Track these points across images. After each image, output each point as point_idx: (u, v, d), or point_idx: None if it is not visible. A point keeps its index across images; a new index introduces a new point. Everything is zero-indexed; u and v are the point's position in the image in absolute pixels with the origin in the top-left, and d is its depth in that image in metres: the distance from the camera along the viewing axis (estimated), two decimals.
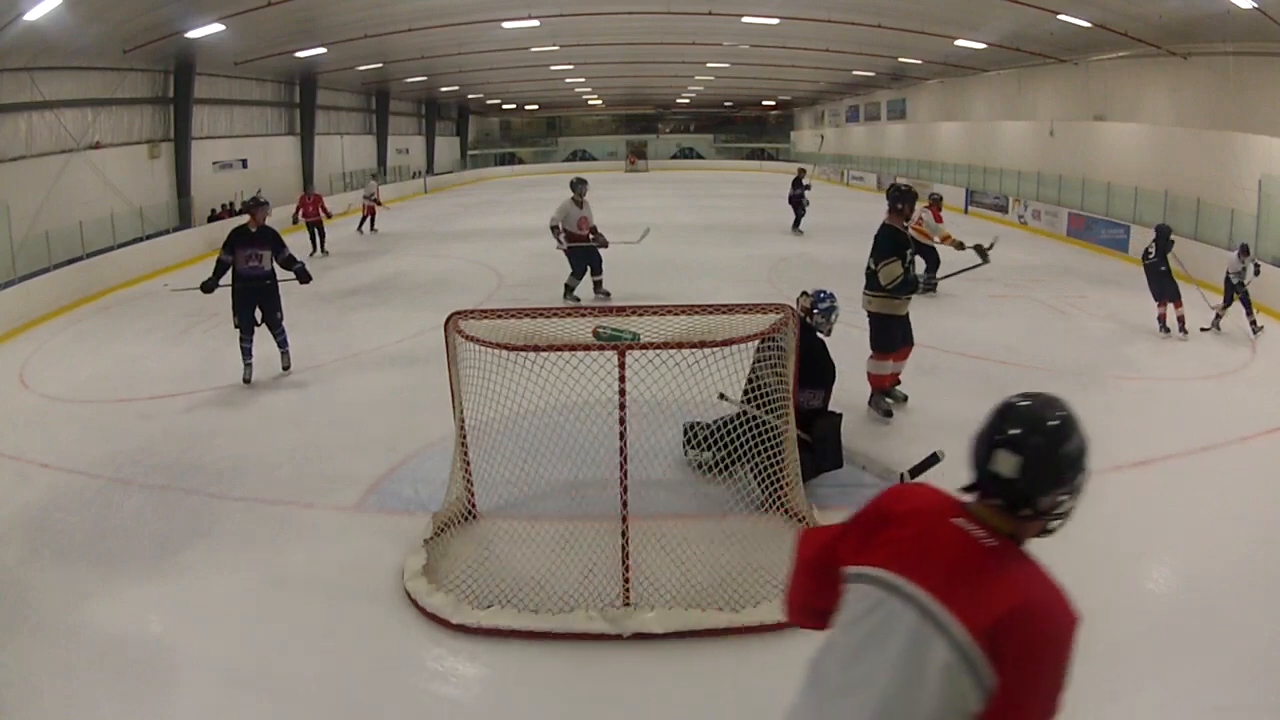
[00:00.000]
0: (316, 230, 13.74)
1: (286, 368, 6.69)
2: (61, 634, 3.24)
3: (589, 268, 8.95)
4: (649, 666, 3.04)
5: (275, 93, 20.21)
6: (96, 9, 10.93)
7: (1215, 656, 3.02)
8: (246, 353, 6.44)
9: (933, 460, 4.14)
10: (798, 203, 14.82)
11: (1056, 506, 1.33)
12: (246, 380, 6.42)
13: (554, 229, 8.76)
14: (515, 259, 12.27)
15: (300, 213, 14.17)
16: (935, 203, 10.14)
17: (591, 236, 8.83)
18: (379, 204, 16.77)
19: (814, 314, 4.58)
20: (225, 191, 17.80)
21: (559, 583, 3.45)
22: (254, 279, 6.43)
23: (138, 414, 5.89)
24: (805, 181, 15.00)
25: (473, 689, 3.01)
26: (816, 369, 4.34)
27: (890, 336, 5.45)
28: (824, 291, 4.72)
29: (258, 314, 6.45)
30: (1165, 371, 6.56)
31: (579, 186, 8.92)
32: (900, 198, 5.34)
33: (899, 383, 5.68)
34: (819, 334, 4.58)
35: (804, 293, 4.77)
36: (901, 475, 4.21)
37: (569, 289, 9.01)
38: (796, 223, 14.87)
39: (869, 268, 5.40)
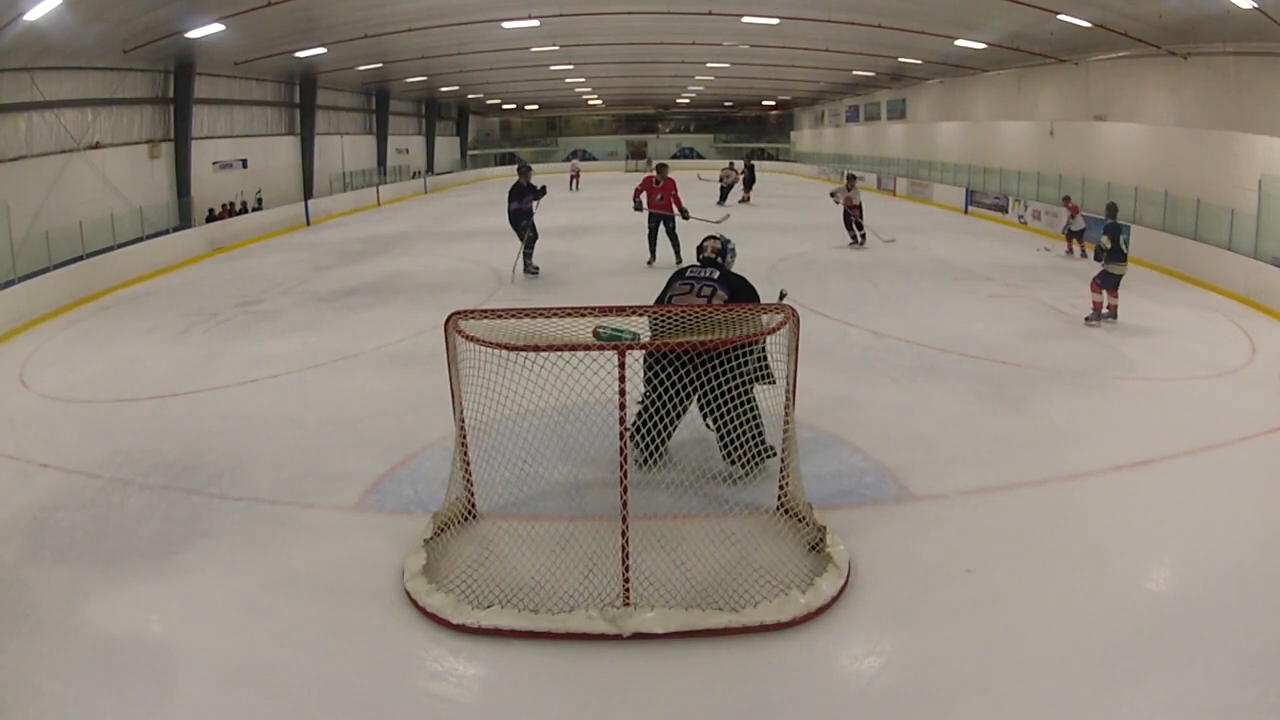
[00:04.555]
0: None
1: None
2: (61, 634, 3.24)
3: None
4: (649, 666, 3.04)
5: (275, 93, 20.21)
6: (96, 9, 10.93)
7: (1215, 656, 3.02)
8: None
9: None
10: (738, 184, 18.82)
11: None
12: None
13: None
14: (515, 259, 12.24)
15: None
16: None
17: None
18: (580, 172, 27.06)
19: (725, 256, 5.14)
20: (225, 191, 17.82)
21: (559, 583, 3.45)
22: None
23: (138, 414, 5.89)
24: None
25: (473, 689, 3.01)
26: (753, 291, 4.80)
27: None
28: (725, 237, 5.29)
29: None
30: (1165, 371, 6.56)
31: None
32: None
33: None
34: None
35: (711, 236, 5.23)
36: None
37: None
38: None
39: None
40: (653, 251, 11.23)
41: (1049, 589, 3.47)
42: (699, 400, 4.28)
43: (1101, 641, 3.10)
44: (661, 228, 11.05)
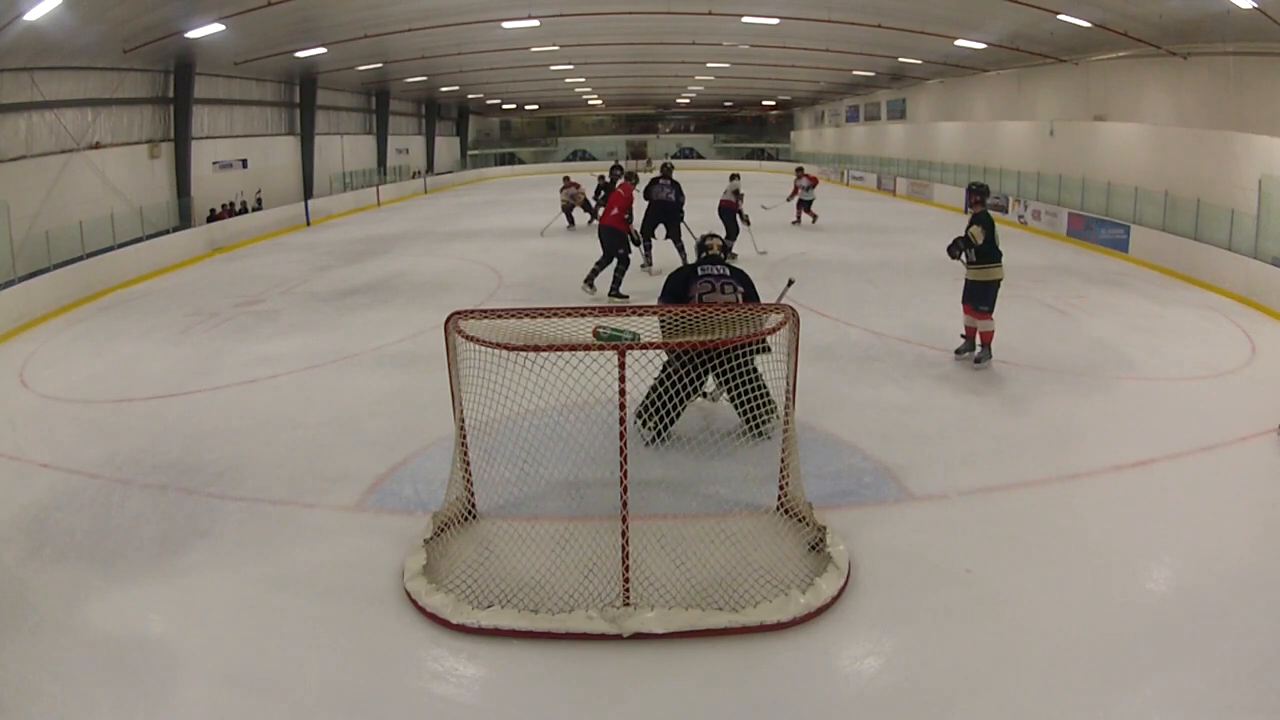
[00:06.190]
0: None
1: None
2: (61, 634, 3.24)
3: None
4: (649, 666, 3.04)
5: (275, 93, 20.22)
6: (96, 9, 10.94)
7: (1215, 656, 3.02)
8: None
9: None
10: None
11: None
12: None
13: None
14: (515, 259, 12.28)
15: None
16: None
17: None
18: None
19: (728, 254, 5.81)
20: (225, 191, 17.83)
21: (559, 583, 3.45)
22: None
23: (138, 414, 5.89)
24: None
25: (473, 689, 3.01)
26: (754, 287, 5.28)
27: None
28: (723, 237, 5.97)
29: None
30: (1165, 371, 6.56)
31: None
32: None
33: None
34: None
35: (713, 235, 5.73)
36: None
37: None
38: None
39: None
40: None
41: (1049, 589, 3.47)
42: (725, 386, 4.74)
43: (1101, 641, 3.10)
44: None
